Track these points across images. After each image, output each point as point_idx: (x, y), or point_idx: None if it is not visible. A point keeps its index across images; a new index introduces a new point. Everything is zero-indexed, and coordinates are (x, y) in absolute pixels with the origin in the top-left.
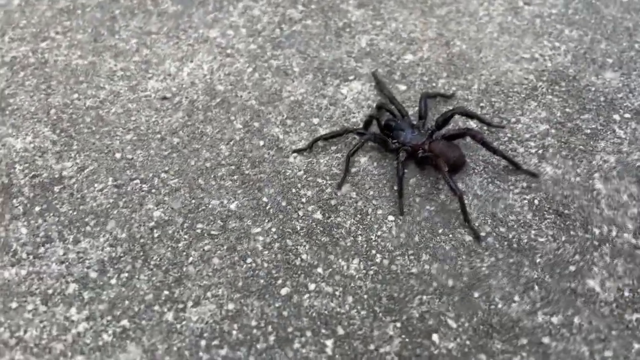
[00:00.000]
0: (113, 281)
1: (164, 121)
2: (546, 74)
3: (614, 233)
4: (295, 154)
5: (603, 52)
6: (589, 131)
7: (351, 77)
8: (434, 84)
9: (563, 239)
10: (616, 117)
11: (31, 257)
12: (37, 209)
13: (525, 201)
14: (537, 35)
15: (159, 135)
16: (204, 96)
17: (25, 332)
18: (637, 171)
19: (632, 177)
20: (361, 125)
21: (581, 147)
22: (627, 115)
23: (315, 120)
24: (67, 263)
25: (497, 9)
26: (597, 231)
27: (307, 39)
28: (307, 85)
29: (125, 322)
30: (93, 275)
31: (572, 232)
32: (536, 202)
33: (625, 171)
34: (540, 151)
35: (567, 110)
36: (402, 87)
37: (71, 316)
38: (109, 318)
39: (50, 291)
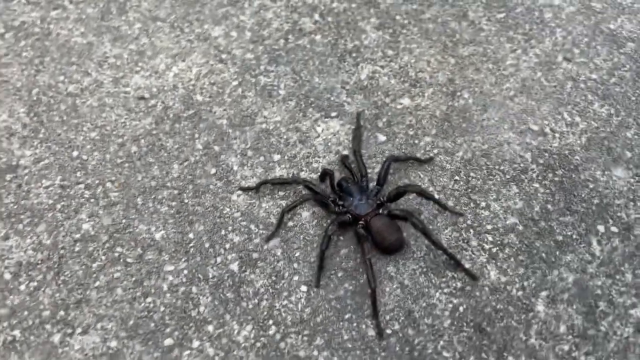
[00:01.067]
0: (22, 288)
1: (131, 124)
2: (546, 155)
3: None
4: (240, 192)
5: (627, 142)
6: (560, 238)
7: (333, 114)
8: (417, 141)
9: (471, 359)
10: (601, 228)
11: None
12: None
13: (450, 305)
14: (560, 104)
15: (120, 140)
16: (180, 104)
17: None
18: (592, 299)
19: (583, 306)
20: (314, 176)
21: (543, 255)
22: (614, 229)
23: (276, 157)
24: None
25: (529, 60)
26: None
27: (308, 58)
28: (285, 114)
29: (17, 333)
30: (7, 276)
31: (483, 356)
32: (461, 309)
33: (578, 297)
34: (494, 249)
35: (549, 206)
36: (382, 138)
37: None
38: (5, 324)
39: None
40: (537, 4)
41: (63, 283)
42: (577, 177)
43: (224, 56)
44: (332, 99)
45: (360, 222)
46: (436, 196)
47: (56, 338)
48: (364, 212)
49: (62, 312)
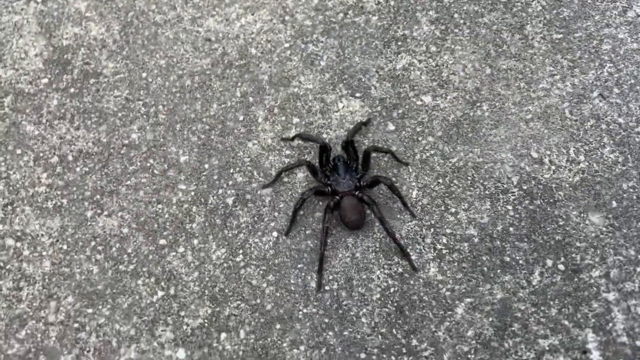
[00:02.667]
0: (77, 169)
1: (192, 61)
2: (533, 183)
3: (426, 353)
4: (255, 141)
5: (619, 192)
6: (507, 259)
7: (358, 95)
8: (420, 138)
9: (382, 330)
10: (549, 262)
11: (48, 124)
12: (72, 90)
13: (385, 284)
14: (571, 139)
15: (180, 72)
16: (236, 53)
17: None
18: (509, 319)
19: (499, 322)
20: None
21: (485, 269)
22: (561, 267)
23: (295, 120)
24: (63, 139)
25: (563, 89)
26: (414, 343)
27: (357, 37)
28: (318, 84)
29: (65, 201)
30: (70, 158)
31: (393, 331)
32: (392, 289)
33: (498, 313)
34: (444, 251)
35: (511, 229)
36: (391, 127)
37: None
38: (58, 193)
39: (40, 155)
40: (600, 32)
41: (105, 175)
42: (552, 211)
43: (287, 18)
44: (363, 80)
45: (337, 197)
46: (414, 193)
47: (89, 213)
48: (341, 189)
49: (98, 196)
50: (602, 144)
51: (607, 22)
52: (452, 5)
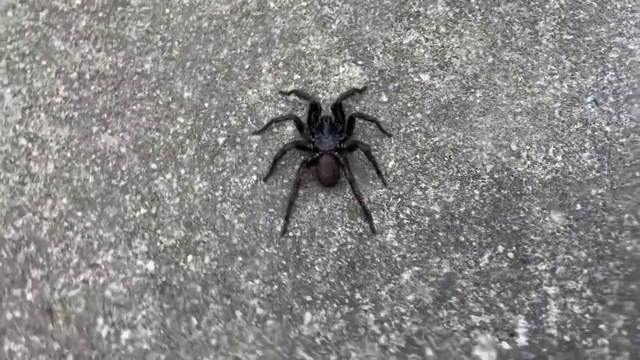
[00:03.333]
0: (92, 87)
1: (213, 5)
2: (504, 174)
3: (365, 307)
4: (255, 90)
5: (586, 197)
6: (462, 239)
7: (360, 62)
8: (409, 114)
9: (331, 280)
10: (500, 249)
11: (74, 42)
12: (100, 14)
13: (344, 240)
14: (553, 138)
15: (200, 14)
16: (255, 4)
17: None
18: (450, 292)
19: (439, 292)
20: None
21: (439, 243)
22: (510, 255)
23: (296, 77)
24: (84, 58)
25: (559, 89)
26: (358, 296)
27: (373, 6)
28: (325, 46)
29: (75, 114)
30: (87, 76)
31: (341, 283)
32: (349, 246)
33: (441, 285)
34: (405, 221)
35: (472, 212)
36: (384, 98)
37: None
38: (72, 106)
39: (62, 69)
40: (611, 40)
41: (115, 97)
42: (516, 203)
43: None
44: (368, 49)
45: (317, 154)
46: (390, 163)
47: (95, 129)
48: (321, 147)
49: (105, 115)
50: (582, 148)
51: (621, 31)
52: None
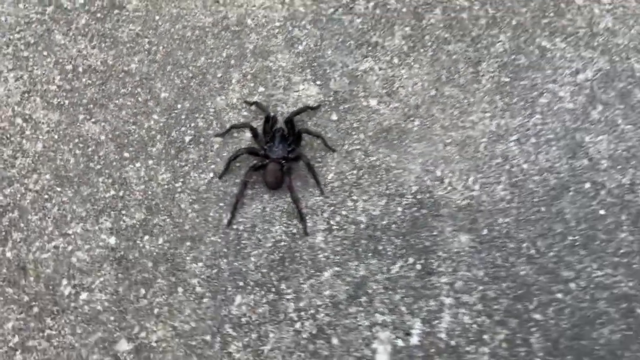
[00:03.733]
0: (83, 80)
1: (198, 16)
2: (426, 195)
3: (288, 296)
4: (223, 97)
5: (494, 223)
6: (380, 248)
7: (318, 83)
8: (353, 133)
9: (263, 270)
10: (411, 260)
11: (73, 38)
12: (98, 15)
13: (279, 238)
14: (475, 170)
15: (185, 23)
16: (235, 19)
17: None
18: (361, 292)
19: (353, 292)
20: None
21: (359, 249)
22: (418, 266)
23: (261, 89)
24: (80, 53)
25: (488, 126)
26: (283, 286)
27: (337, 33)
28: (290, 64)
29: (56, 87)
30: (80, 70)
31: (271, 273)
32: (282, 243)
33: (355, 285)
34: (334, 227)
35: (393, 226)
36: (334, 117)
37: None
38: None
39: (60, 60)
40: (544, 85)
41: (102, 90)
42: (432, 222)
43: (286, 0)
44: (327, 71)
45: (266, 160)
46: (330, 175)
47: (81, 117)
48: (271, 155)
49: (91, 105)
50: (498, 180)
51: (555, 79)
52: (428, 28)
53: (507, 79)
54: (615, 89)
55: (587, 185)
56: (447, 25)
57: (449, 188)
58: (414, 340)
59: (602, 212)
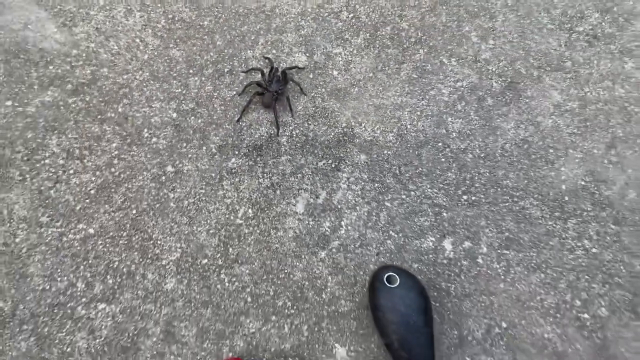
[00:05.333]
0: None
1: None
2: (346, 131)
3: (261, 169)
4: (250, 52)
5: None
6: (315, 151)
7: (307, 54)
8: (319, 87)
9: (247, 150)
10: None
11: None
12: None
13: (263, 134)
14: (385, 121)
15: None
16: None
17: None
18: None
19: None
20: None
21: (305, 150)
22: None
23: (274, 52)
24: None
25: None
26: (256, 157)
27: (326, 28)
28: (294, 40)
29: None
30: None
31: (254, 152)
32: (263, 137)
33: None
34: (294, 135)
35: (322, 139)
36: (310, 76)
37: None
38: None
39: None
40: (436, 84)
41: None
42: (348, 144)
43: (302, 2)
44: (314, 49)
45: (266, 91)
46: (299, 107)
47: (171, 45)
48: (268, 88)
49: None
50: (392, 131)
51: (443, 82)
52: (379, 36)
53: (416, 76)
54: (476, 94)
55: (440, 144)
56: (391, 37)
57: (363, 129)
58: (320, 200)
59: (442, 159)
